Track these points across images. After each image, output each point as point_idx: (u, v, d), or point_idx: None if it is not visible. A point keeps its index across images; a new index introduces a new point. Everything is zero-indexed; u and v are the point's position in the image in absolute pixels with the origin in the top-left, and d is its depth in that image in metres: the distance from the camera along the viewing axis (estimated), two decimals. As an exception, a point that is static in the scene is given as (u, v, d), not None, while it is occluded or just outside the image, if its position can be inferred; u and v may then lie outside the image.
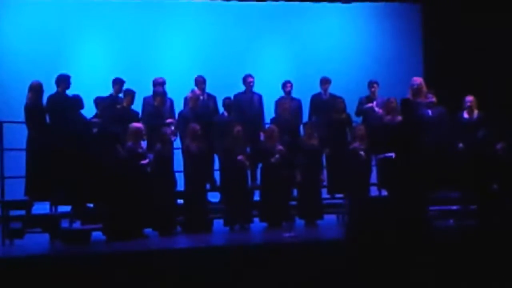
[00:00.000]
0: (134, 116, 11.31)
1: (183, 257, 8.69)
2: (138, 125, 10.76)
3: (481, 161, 11.13)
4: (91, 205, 10.64)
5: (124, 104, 11.37)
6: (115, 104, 11.38)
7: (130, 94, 11.45)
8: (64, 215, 10.57)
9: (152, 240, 10.10)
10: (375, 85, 12.60)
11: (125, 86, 11.64)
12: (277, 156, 11.22)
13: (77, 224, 10.71)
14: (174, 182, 10.96)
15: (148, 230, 10.45)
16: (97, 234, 10.17)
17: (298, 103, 12.56)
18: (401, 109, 11.34)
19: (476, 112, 11.55)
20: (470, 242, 8.54)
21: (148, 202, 10.33)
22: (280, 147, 11.31)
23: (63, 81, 10.87)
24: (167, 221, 10.67)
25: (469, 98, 11.62)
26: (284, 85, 12.57)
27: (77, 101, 10.71)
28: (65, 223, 10.56)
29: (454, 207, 11.21)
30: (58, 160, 10.34)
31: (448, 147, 11.45)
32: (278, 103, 12.35)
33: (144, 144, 10.94)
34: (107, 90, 11.69)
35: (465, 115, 11.59)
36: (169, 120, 11.57)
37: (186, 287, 8.15)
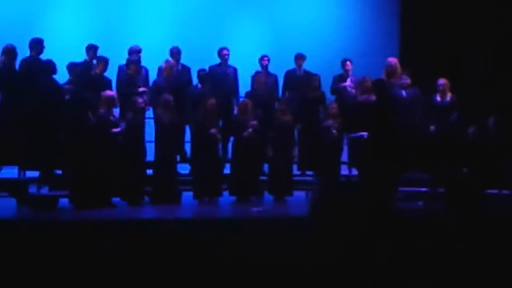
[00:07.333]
0: (107, 84, 11.23)
1: (149, 227, 8.66)
2: (111, 92, 10.71)
3: (452, 145, 11.17)
4: (60, 171, 10.57)
5: (97, 71, 11.30)
6: (88, 70, 11.31)
7: (104, 61, 11.37)
8: (32, 180, 10.53)
9: (119, 210, 10.08)
10: (348, 63, 12.58)
11: (100, 53, 11.56)
12: (249, 130, 11.18)
13: (44, 190, 10.66)
14: (144, 152, 10.90)
15: (116, 199, 10.41)
16: (64, 201, 10.14)
17: (274, 79, 12.52)
18: (373, 90, 11.32)
19: (449, 95, 11.54)
20: (437, 224, 8.58)
21: (117, 171, 10.29)
22: (254, 121, 11.27)
23: (37, 45, 10.78)
24: (136, 191, 10.65)
25: (442, 81, 11.59)
26: (261, 59, 12.53)
27: (50, 66, 10.62)
28: (33, 189, 10.51)
29: (423, 189, 11.27)
30: (28, 125, 10.27)
31: (420, 129, 11.48)
32: (254, 77, 12.29)
33: (116, 112, 10.88)
34: (81, 56, 11.60)
35: (438, 98, 11.59)
36: (141, 89, 11.48)
37: (151, 258, 8.13)
